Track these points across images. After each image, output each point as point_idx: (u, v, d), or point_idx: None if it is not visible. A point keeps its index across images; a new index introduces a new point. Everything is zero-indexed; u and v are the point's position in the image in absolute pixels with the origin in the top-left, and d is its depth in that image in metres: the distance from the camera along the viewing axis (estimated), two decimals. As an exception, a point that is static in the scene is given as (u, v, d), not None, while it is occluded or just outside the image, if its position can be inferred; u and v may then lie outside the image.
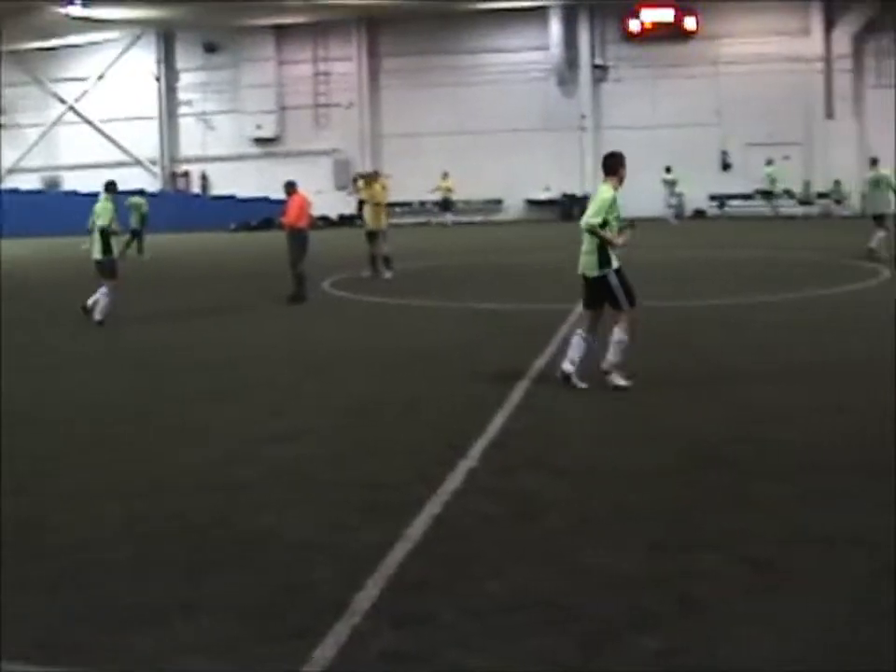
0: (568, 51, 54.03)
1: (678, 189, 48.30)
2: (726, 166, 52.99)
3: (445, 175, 49.31)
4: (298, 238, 21.07)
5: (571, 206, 51.43)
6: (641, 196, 49.59)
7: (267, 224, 47.87)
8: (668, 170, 47.26)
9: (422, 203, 53.61)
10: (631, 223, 12.41)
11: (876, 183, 28.00)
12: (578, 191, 52.35)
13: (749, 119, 51.55)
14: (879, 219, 27.15)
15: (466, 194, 53.10)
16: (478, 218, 53.94)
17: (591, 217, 11.82)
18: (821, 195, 51.76)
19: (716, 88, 52.53)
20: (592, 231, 11.84)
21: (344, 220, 52.10)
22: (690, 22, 53.14)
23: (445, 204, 50.39)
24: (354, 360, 14.52)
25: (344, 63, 57.12)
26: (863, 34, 52.30)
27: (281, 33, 58.04)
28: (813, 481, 8.13)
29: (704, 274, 24.90)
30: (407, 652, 5.34)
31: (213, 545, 7.00)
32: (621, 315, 11.84)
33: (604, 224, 11.82)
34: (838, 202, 51.04)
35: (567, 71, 54.23)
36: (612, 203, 11.90)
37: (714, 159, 52.83)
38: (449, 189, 49.84)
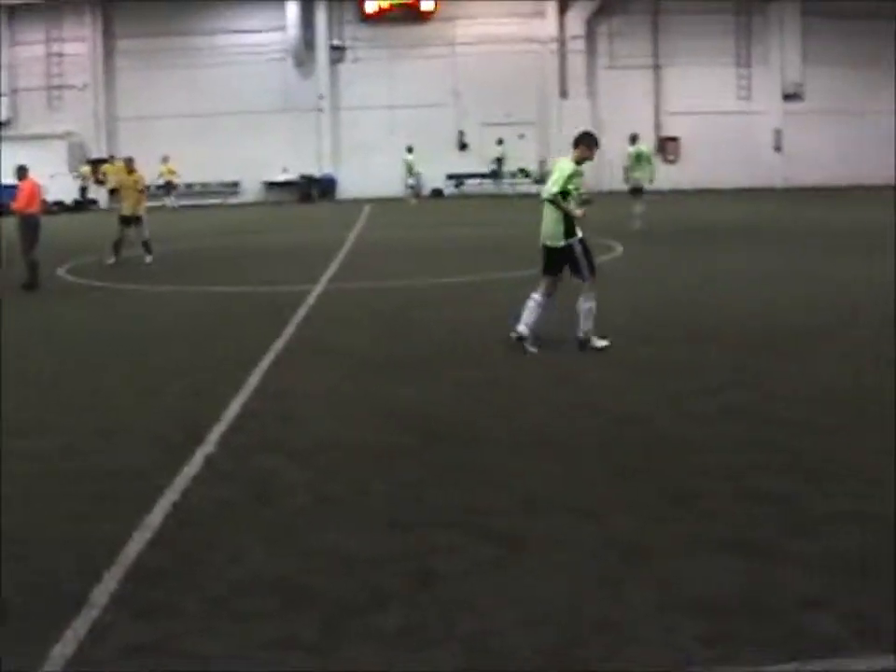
0: (306, 32, 53.67)
1: (416, 170, 48.67)
2: (463, 146, 53.62)
3: (165, 159, 48.45)
4: (29, 224, 20.43)
5: (310, 187, 51.37)
6: (380, 176, 50.41)
7: (-1, 210, 46.13)
8: (410, 150, 47.59)
9: (158, 187, 52.58)
10: (588, 199, 12.80)
11: (638, 158, 29.48)
12: (316, 172, 52.21)
13: (485, 100, 52.26)
14: (638, 192, 28.29)
15: (203, 177, 52.44)
16: (215, 201, 53.21)
17: (551, 187, 12.31)
18: (556, 173, 52.86)
19: (453, 69, 53.04)
20: (553, 200, 12.26)
21: (80, 205, 50.74)
22: (427, 4, 53.53)
23: (168, 188, 49.50)
24: (87, 349, 14.22)
25: (78, 44, 55.23)
26: (596, 16, 53.64)
27: (12, 13, 56.02)
28: (545, 454, 8.43)
29: (439, 253, 25.16)
30: (147, 644, 5.31)
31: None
32: (584, 285, 12.41)
33: (565, 194, 12.27)
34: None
35: (304, 52, 53.87)
36: (572, 175, 12.32)
37: (451, 139, 53.36)
38: (171, 172, 49.06)
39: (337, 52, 54.04)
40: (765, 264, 20.64)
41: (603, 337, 12.55)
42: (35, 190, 20.62)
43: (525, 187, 50.98)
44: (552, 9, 53.40)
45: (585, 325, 12.46)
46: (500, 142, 50.16)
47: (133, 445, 9.09)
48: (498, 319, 14.90)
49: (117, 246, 24.75)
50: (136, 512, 7.14)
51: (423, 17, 53.69)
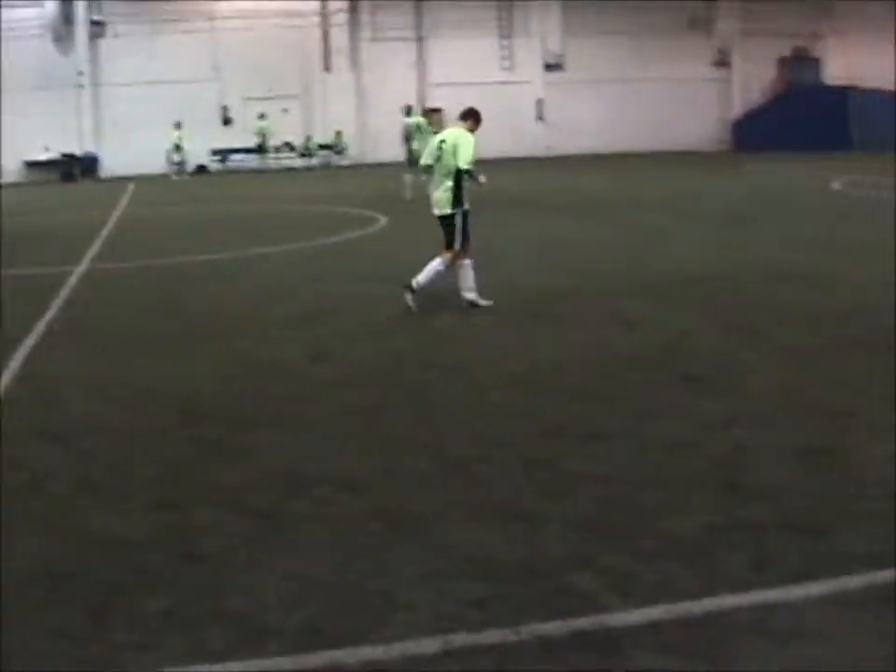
0: (64, 7, 52.11)
1: (182, 146, 47.84)
2: (227, 121, 52.97)
3: None
4: None
5: (72, 166, 49.96)
6: (144, 153, 49.30)
7: None
8: (178, 126, 46.75)
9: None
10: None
11: (417, 128, 30.11)
12: (78, 151, 50.83)
13: (248, 74, 51.62)
14: (414, 163, 28.55)
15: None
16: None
17: (468, 161, 12.91)
18: (322, 146, 52.79)
19: (214, 43, 52.15)
20: (469, 173, 12.94)
21: None
22: (186, -23, 52.63)
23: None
24: None
25: None
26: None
27: None
28: (305, 428, 8.40)
29: (204, 229, 24.82)
30: None
31: None
32: (445, 254, 13.02)
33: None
34: (339, 152, 52.35)
35: (63, 27, 52.30)
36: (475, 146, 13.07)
37: (215, 114, 52.61)
38: None
39: (97, 27, 52.55)
40: (527, 231, 21.05)
41: (414, 298, 12.97)
42: None
43: (290, 161, 50.83)
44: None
45: (423, 279, 12.95)
46: (262, 116, 49.71)
47: None
48: (264, 293, 14.85)
49: None
50: None
51: (179, -10, 52.67)
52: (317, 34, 53.31)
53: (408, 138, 30.47)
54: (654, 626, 4.96)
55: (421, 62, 54.56)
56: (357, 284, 15.44)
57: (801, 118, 51.92)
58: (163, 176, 46.51)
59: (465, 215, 13.11)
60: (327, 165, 51.70)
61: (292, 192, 35.94)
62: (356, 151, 52.61)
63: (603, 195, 30.57)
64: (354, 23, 53.78)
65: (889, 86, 55.85)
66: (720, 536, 5.95)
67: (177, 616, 5.22)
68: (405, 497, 6.72)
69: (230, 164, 51.73)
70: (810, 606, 5.11)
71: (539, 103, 55.41)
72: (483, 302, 13.13)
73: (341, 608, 5.25)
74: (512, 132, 52.21)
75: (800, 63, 58.98)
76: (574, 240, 19.79)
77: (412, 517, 6.37)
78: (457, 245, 13.01)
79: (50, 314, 13.83)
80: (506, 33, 55.30)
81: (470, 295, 13.13)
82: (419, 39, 54.21)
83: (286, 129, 51.10)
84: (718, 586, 5.30)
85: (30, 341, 12.12)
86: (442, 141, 13.33)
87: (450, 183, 13.03)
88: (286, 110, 51.90)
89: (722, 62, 58.65)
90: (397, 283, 13.45)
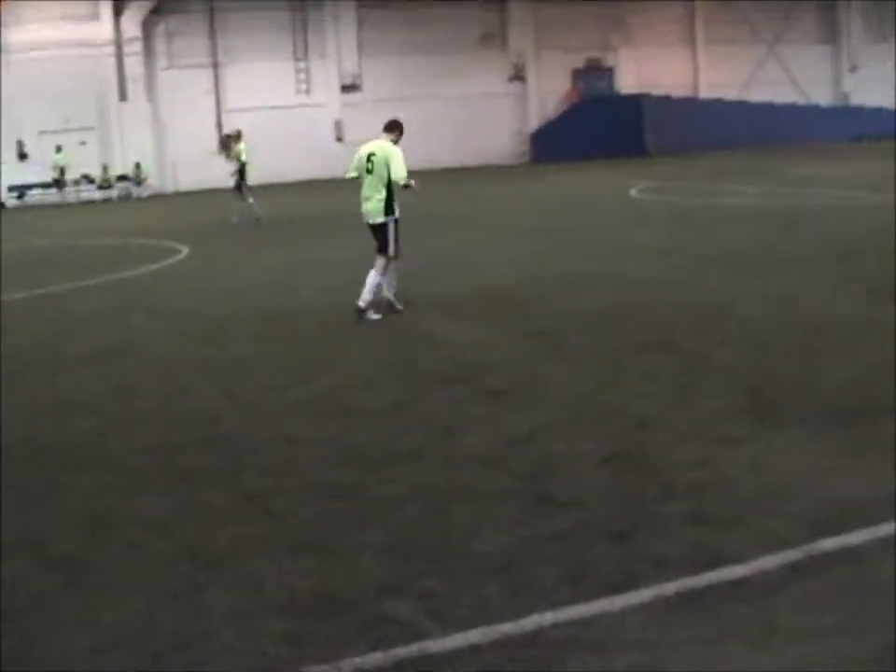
0: None
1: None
2: (23, 156, 51.58)
3: None
4: None
5: None
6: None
7: None
8: None
9: None
10: None
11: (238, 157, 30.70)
12: None
13: (43, 106, 50.27)
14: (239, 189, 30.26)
15: None
16: None
17: (403, 173, 13.65)
18: (121, 177, 51.82)
19: (5, 76, 50.70)
20: (406, 185, 13.69)
21: None
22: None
23: None
24: None
25: None
26: (152, 16, 52.73)
27: None
28: (109, 467, 8.11)
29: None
30: None
31: None
32: (380, 260, 13.68)
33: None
34: (138, 183, 51.48)
35: None
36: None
37: (10, 149, 51.19)
38: None
39: None
40: (329, 253, 20.95)
41: (377, 312, 13.66)
42: None
43: (89, 193, 49.81)
44: (106, 11, 51.97)
45: (366, 296, 13.50)
46: (59, 149, 48.55)
47: None
48: (60, 331, 14.45)
49: None
50: None
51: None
52: (112, 63, 52.28)
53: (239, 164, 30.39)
54: (475, 650, 4.87)
55: (218, 88, 53.99)
56: (154, 318, 15.02)
57: (597, 126, 53.12)
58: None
59: (396, 222, 13.90)
60: (126, 197, 50.79)
61: (91, 226, 35.09)
62: (155, 181, 51.83)
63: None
64: (149, 52, 52.96)
65: (679, 93, 57.61)
66: (533, 550, 5.91)
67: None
68: (209, 535, 6.52)
69: (27, 200, 50.32)
70: (628, 615, 5.09)
71: (338, 124, 55.37)
72: (399, 306, 13.87)
73: (159, 655, 5.05)
74: (311, 154, 52.06)
75: (593, 73, 60.28)
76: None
77: (219, 554, 6.18)
78: (391, 251, 13.74)
79: None
80: (301, 55, 55.17)
81: (390, 294, 13.90)
82: (215, 65, 53.67)
83: (83, 161, 49.98)
84: (535, 603, 5.23)
85: None
86: (372, 154, 13.89)
87: (382, 194, 13.73)
88: (83, 142, 50.78)
89: (518, 76, 59.48)
90: (193, 315, 13.25)
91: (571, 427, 8.33)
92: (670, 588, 5.30)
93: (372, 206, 13.88)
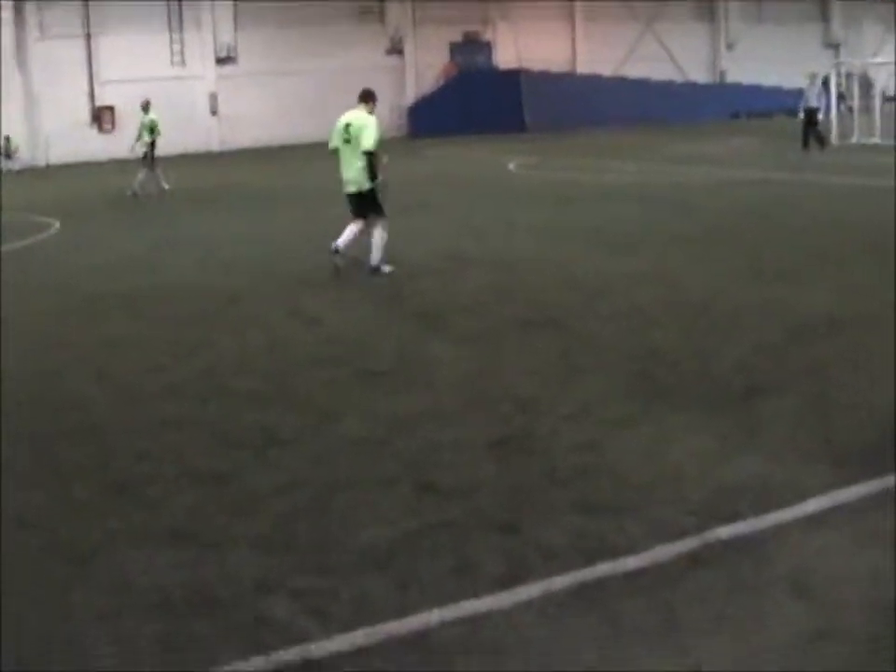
0: None
1: None
2: None
3: None
4: None
5: None
6: None
7: None
8: None
9: None
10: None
11: (151, 129, 29.89)
12: None
13: None
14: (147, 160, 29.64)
15: None
16: None
17: (373, 143, 14.14)
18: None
19: None
20: (373, 151, 14.13)
21: None
22: None
23: None
24: None
25: None
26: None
27: None
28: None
29: None
30: None
31: None
32: (379, 221, 14.27)
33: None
34: (9, 156, 50.13)
35: None
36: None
37: None
38: None
39: None
40: (202, 229, 20.51)
41: (388, 263, 14.33)
42: None
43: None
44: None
45: (377, 254, 14.23)
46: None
47: None
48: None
49: None
50: None
51: None
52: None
53: (141, 135, 30.06)
54: (359, 652, 4.61)
55: (91, 59, 52.69)
56: (22, 295, 14.42)
57: (475, 101, 53.00)
58: None
59: (381, 186, 14.41)
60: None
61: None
62: (27, 155, 50.49)
63: (276, 188, 30.17)
64: (19, 23, 51.39)
65: (557, 68, 57.73)
66: (418, 542, 5.67)
67: None
68: (79, 529, 6.16)
69: None
70: (518, 612, 4.88)
71: (212, 97, 54.53)
72: (389, 268, 14.30)
73: (30, 662, 4.72)
74: (185, 128, 51.01)
75: (471, 47, 60.09)
76: (249, 237, 19.23)
77: (89, 550, 5.83)
78: (385, 212, 14.37)
79: None
80: (176, 26, 54.11)
81: (343, 249, 14.26)
82: (87, 36, 52.34)
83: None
84: (421, 600, 5.00)
85: None
86: (348, 124, 14.38)
87: (363, 161, 14.15)
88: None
89: (396, 49, 59.07)
90: (64, 292, 12.78)
91: (455, 410, 8.11)
92: (561, 582, 5.11)
93: (354, 175, 14.33)
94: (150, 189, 29.22)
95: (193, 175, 35.96)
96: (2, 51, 50.90)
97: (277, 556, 5.60)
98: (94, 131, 52.02)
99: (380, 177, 14.33)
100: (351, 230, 14.35)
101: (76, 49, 52.13)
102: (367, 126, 14.18)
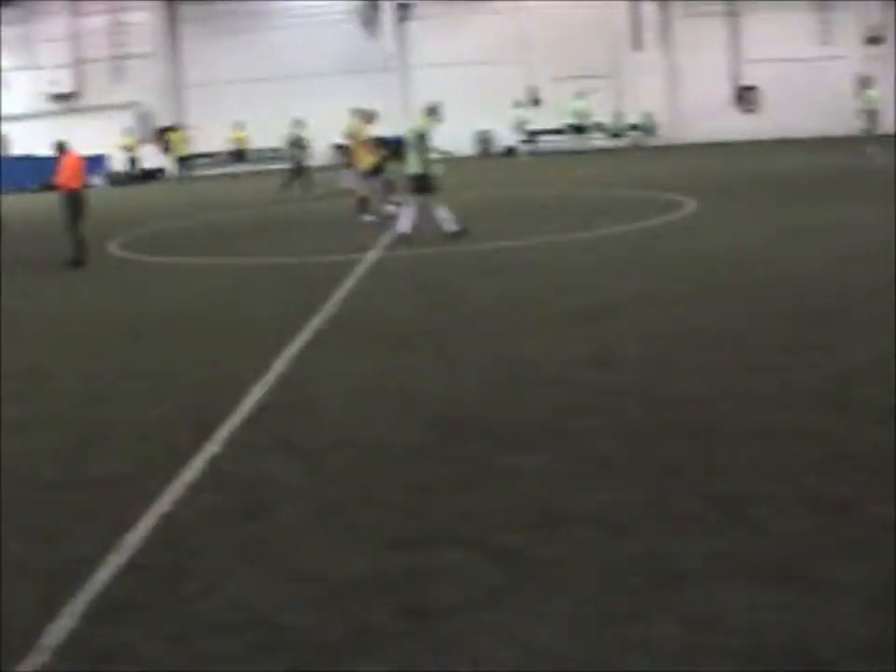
0: (372, -9, 52.72)
1: (527, 125, 47.44)
2: (535, 102, 52.30)
3: (238, 125, 47.88)
4: (72, 199, 19.76)
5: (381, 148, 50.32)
6: (451, 135, 49.03)
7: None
8: (518, 105, 46.43)
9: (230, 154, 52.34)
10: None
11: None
12: (388, 133, 51.16)
13: (555, 54, 50.86)
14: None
15: (272, 142, 51.83)
16: (286, 166, 52.60)
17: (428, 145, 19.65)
18: (633, 127, 51.59)
19: (521, 23, 51.63)
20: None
21: (148, 175, 50.48)
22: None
23: (239, 155, 49.10)
24: (111, 327, 13.58)
25: (141, 13, 54.68)
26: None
27: (74, -17, 55.56)
28: (577, 452, 7.37)
29: (510, 213, 24.11)
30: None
31: None
32: (437, 197, 19.61)
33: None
34: (649, 133, 51.05)
35: (370, 11, 52.80)
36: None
37: (522, 95, 52.01)
38: (241, 139, 48.53)
39: (403, 10, 52.86)
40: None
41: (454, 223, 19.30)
42: (77, 165, 19.94)
43: (600, 142, 49.81)
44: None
45: (449, 222, 19.26)
46: (579, 96, 48.65)
47: (131, 442, 8.30)
48: (551, 286, 14.05)
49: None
50: (116, 528, 6.33)
51: (489, -29, 52.44)
52: (627, 11, 51.95)
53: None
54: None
55: (734, 37, 52.42)
56: (644, 278, 14.31)
57: None
58: (471, 158, 46.26)
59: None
60: (636, 146, 50.47)
61: (599, 174, 34.90)
62: (666, 132, 51.12)
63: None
64: (663, 1, 52.11)
65: None
66: None
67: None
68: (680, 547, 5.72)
69: (538, 146, 50.99)
70: None
71: (861, 78, 52.61)
72: (458, 227, 19.35)
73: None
74: (828, 109, 49.45)
75: None
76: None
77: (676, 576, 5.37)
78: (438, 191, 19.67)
79: (329, 306, 13.40)
80: (824, 6, 52.57)
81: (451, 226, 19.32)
82: (733, 14, 52.09)
83: (596, 109, 50.03)
84: None
85: (301, 338, 11.67)
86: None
87: (425, 156, 19.64)
88: (595, 90, 50.85)
89: None
90: (692, 277, 12.41)
91: None
92: None
93: (420, 163, 19.62)
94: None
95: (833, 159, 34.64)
96: (646, 29, 51.83)
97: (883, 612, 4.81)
98: (736, 110, 51.72)
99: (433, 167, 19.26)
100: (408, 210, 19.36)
101: (719, 27, 51.99)
102: (427, 134, 18.93)
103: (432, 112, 20.21)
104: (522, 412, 8.43)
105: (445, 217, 19.33)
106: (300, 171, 33.85)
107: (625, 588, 5.19)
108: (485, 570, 5.49)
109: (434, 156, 19.66)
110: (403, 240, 19.16)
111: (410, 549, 5.84)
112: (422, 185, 19.57)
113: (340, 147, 39.07)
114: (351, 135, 25.65)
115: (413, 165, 19.63)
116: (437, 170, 19.68)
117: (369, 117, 25.41)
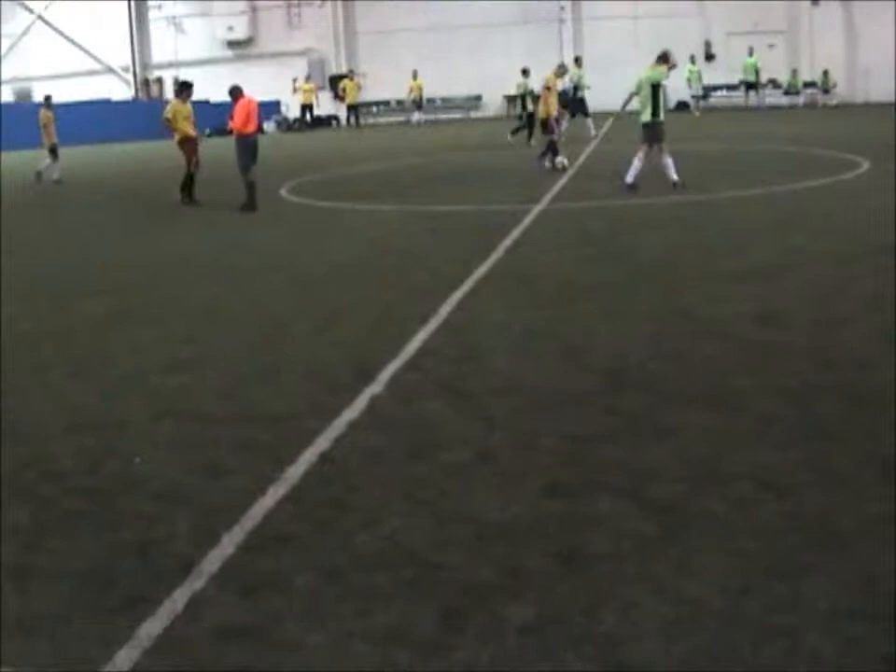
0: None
1: (699, 81, 46.85)
2: (710, 56, 51.56)
3: (415, 75, 48.16)
4: (245, 144, 20.17)
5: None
6: (623, 89, 48.42)
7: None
8: (693, 60, 45.93)
9: (399, 102, 52.60)
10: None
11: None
12: (559, 86, 50.82)
13: (731, 9, 50.01)
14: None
15: (443, 91, 51.97)
16: (457, 115, 52.78)
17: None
18: (808, 84, 50.56)
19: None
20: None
21: (318, 122, 51.11)
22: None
23: (417, 103, 49.42)
24: (282, 270, 13.83)
25: (314, -39, 55.39)
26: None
27: (249, -68, 56.26)
28: (739, 409, 7.30)
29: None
30: (243, 626, 4.65)
31: (75, 491, 6.31)
32: (663, 147, 19.53)
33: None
34: (826, 91, 49.93)
35: (546, -39, 52.49)
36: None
37: (697, 50, 51.24)
38: (420, 88, 48.79)
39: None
40: None
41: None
42: (251, 110, 20.29)
43: (774, 98, 48.91)
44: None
45: (673, 171, 19.36)
46: (752, 52, 47.79)
47: (294, 383, 8.49)
48: (721, 242, 13.92)
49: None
50: (277, 463, 6.51)
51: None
52: (807, -35, 50.78)
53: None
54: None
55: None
56: (814, 237, 14.03)
57: None
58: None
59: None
60: (812, 104, 49.41)
61: (774, 131, 34.25)
62: (844, 90, 49.92)
63: None
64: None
65: None
66: None
67: (539, 630, 4.49)
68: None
69: (711, 101, 50.25)
70: None
71: None
72: (677, 177, 19.42)
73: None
74: None
75: None
76: None
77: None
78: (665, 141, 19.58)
79: (495, 256, 13.46)
80: None
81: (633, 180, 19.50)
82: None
83: (770, 65, 49.10)
84: None
85: (467, 286, 11.74)
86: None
87: (656, 101, 19.63)
88: (772, 46, 49.89)
89: None
90: (865, 238, 12.14)
91: None
92: None
93: (654, 111, 19.51)
94: None
95: None
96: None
97: None
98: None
99: (661, 116, 19.49)
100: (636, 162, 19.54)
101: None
102: (662, 77, 19.41)
103: (665, 59, 20.02)
104: (686, 367, 8.37)
105: (671, 165, 19.37)
106: (530, 121, 33.80)
107: (780, 546, 5.14)
108: (639, 521, 5.50)
109: (662, 105, 19.66)
110: (632, 189, 19.24)
111: (565, 496, 5.86)
112: (655, 133, 19.43)
113: (513, 99, 39.17)
114: (547, 86, 25.91)
115: (646, 114, 19.54)
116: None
117: (562, 71, 27.98)
